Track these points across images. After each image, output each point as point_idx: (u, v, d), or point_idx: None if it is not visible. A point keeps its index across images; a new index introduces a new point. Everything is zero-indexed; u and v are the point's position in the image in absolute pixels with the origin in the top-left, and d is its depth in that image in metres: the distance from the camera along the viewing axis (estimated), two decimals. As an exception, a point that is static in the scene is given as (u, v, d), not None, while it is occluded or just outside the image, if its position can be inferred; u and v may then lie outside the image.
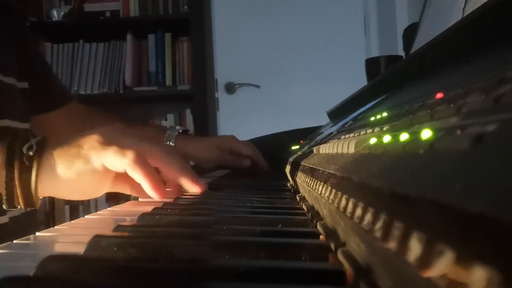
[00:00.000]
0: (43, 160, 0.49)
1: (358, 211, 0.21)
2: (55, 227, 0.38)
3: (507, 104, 0.15)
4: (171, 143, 0.92)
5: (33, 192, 0.49)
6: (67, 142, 0.50)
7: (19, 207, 0.50)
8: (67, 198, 0.54)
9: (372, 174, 0.22)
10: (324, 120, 1.14)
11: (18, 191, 0.49)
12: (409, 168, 0.18)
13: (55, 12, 2.40)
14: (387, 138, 0.25)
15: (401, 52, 1.03)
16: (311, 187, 0.39)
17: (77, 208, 2.39)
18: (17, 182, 0.48)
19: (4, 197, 0.49)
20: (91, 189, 0.52)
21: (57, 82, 0.98)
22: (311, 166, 0.45)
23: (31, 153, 0.49)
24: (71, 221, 0.42)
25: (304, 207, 0.42)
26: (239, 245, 0.25)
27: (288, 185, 0.69)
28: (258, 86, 2.49)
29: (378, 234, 0.17)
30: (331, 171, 0.32)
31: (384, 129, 0.31)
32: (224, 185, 0.75)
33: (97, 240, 0.26)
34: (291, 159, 0.72)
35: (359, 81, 1.02)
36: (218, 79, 2.50)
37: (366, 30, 2.46)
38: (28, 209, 0.51)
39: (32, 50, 0.90)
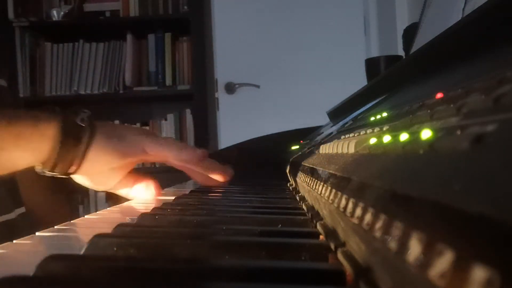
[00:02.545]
0: (95, 134, 0.52)
1: (358, 211, 0.21)
2: (55, 227, 0.38)
3: (507, 104, 0.15)
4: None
5: (79, 161, 0.51)
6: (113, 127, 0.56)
7: (56, 174, 0.51)
8: (88, 180, 0.55)
9: (372, 174, 0.22)
10: (324, 120, 1.14)
11: (68, 159, 0.50)
12: (409, 168, 0.18)
13: (55, 12, 2.40)
14: (387, 138, 0.25)
15: (401, 52, 1.03)
16: (311, 187, 0.39)
17: (77, 208, 2.39)
18: (68, 151, 0.50)
19: (51, 163, 0.50)
20: (114, 176, 0.56)
21: None
22: (311, 166, 0.45)
23: (83, 125, 0.51)
24: (71, 221, 0.42)
25: (304, 207, 0.42)
26: (239, 245, 0.25)
27: (288, 184, 0.69)
28: (258, 86, 2.49)
29: (378, 234, 0.17)
30: (331, 171, 0.32)
31: (384, 129, 0.31)
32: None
33: (97, 240, 0.26)
34: (292, 159, 0.72)
35: (359, 81, 1.02)
36: (218, 79, 2.50)
37: (366, 30, 2.46)
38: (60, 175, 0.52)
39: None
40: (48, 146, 0.49)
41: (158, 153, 0.58)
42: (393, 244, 0.15)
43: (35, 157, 0.50)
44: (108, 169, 0.55)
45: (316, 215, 0.34)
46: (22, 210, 0.72)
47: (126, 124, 2.17)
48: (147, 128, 2.41)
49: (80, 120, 0.51)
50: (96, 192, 2.38)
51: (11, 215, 0.69)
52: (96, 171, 0.54)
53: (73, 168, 0.52)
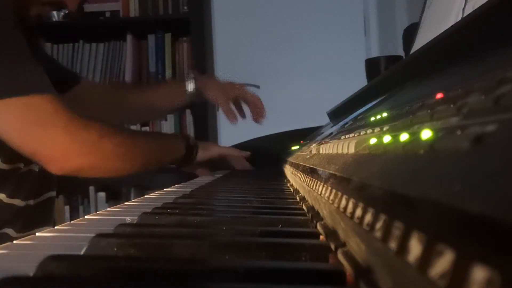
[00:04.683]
0: (198, 149, 1.01)
1: (358, 212, 0.21)
2: (55, 227, 0.38)
3: (507, 104, 0.15)
4: None
5: (194, 160, 1.01)
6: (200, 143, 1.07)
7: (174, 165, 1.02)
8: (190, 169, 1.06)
9: (372, 174, 0.22)
10: (324, 120, 1.14)
11: (188, 161, 1.00)
12: (409, 168, 0.18)
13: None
14: (387, 139, 0.25)
15: (401, 52, 1.03)
16: (311, 187, 0.39)
17: (77, 208, 2.39)
18: (188, 158, 0.99)
19: (179, 162, 0.99)
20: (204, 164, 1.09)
21: (59, 68, 1.14)
22: (311, 166, 0.45)
23: (193, 145, 1.00)
24: (71, 221, 0.42)
25: (304, 207, 0.42)
26: (239, 246, 0.25)
27: (288, 185, 0.69)
28: (258, 86, 2.49)
29: (378, 234, 0.17)
30: (331, 171, 0.32)
31: (384, 129, 0.31)
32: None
33: (97, 240, 0.26)
34: (290, 159, 0.72)
35: (359, 81, 1.02)
36: (218, 79, 2.50)
37: (366, 30, 2.46)
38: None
39: (37, 47, 1.00)
40: (180, 155, 0.98)
41: (225, 155, 1.13)
42: (393, 244, 0.15)
43: (172, 161, 0.99)
44: (202, 163, 1.06)
45: (316, 216, 0.34)
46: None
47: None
48: (147, 128, 2.42)
49: (192, 142, 1.01)
50: (96, 192, 2.38)
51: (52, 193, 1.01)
52: (197, 165, 1.05)
53: (188, 164, 1.01)
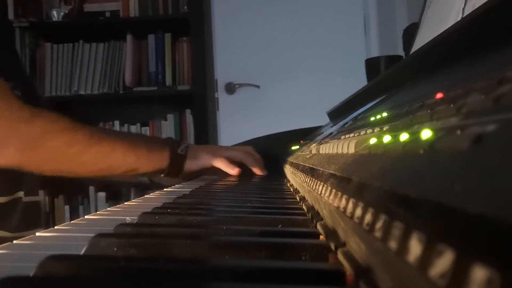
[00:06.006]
0: (188, 155, 0.90)
1: (358, 211, 0.21)
2: (55, 227, 0.38)
3: (507, 104, 0.15)
4: None
5: (179, 173, 0.89)
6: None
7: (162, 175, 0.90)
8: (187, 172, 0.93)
9: (372, 174, 0.22)
10: (324, 120, 1.14)
11: (173, 172, 0.89)
12: (409, 168, 0.18)
13: (55, 12, 2.40)
14: (387, 138, 0.25)
15: (401, 52, 1.03)
16: (311, 187, 0.39)
17: (77, 208, 2.39)
18: (173, 170, 0.88)
19: (163, 173, 0.88)
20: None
21: (36, 89, 1.17)
22: (311, 166, 0.45)
23: (182, 153, 0.89)
24: (71, 221, 0.42)
25: (304, 207, 0.42)
26: (239, 245, 0.25)
27: (288, 185, 0.69)
28: (258, 86, 2.49)
29: (378, 234, 0.17)
30: (331, 171, 0.32)
31: (384, 129, 0.31)
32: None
33: (97, 240, 0.26)
34: (291, 159, 0.72)
35: (359, 81, 1.02)
36: (218, 79, 2.50)
37: (366, 30, 2.46)
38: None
39: (18, 58, 1.05)
40: (163, 165, 0.87)
41: (216, 167, 0.94)
42: (393, 244, 0.15)
43: (154, 170, 0.87)
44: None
45: (316, 215, 0.34)
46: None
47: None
48: (147, 128, 2.42)
49: (180, 150, 0.89)
50: (96, 192, 2.38)
51: (38, 197, 0.97)
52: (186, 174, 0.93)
53: (171, 177, 0.90)
